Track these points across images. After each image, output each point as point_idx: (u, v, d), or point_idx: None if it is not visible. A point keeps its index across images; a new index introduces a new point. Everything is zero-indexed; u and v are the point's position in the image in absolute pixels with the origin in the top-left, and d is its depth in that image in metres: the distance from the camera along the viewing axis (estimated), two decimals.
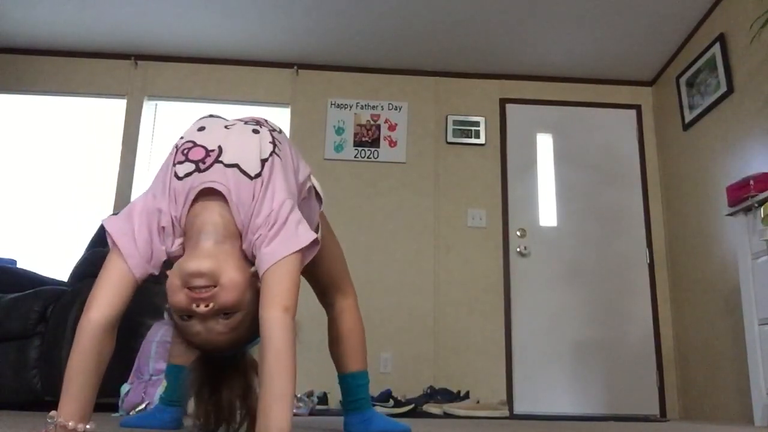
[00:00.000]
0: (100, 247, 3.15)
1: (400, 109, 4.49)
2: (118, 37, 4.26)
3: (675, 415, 4.03)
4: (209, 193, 1.15)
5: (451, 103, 4.54)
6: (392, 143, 4.43)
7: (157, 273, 1.15)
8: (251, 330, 1.09)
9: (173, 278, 1.06)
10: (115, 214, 1.20)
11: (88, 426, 1.04)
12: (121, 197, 4.26)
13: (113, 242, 1.13)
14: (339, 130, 4.43)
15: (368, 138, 4.43)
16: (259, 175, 1.19)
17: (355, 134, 4.43)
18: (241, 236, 1.15)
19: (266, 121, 1.37)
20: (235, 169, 1.18)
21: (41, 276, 3.23)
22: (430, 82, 4.57)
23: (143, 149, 4.40)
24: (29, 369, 2.47)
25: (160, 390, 2.69)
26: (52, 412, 1.03)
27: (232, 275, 1.06)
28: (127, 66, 4.46)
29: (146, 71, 4.47)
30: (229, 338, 1.08)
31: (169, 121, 4.49)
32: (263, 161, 1.21)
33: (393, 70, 4.55)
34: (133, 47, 4.38)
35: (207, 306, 1.03)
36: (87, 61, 4.45)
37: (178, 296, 1.04)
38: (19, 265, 3.45)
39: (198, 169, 1.18)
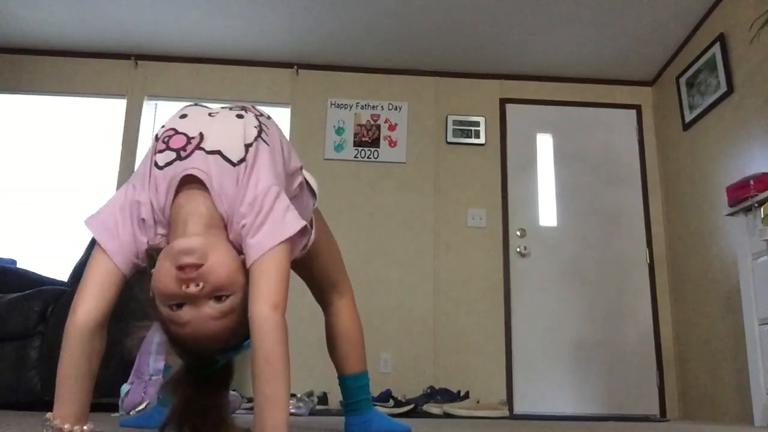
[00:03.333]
0: None
1: (400, 109, 4.49)
2: (118, 37, 4.26)
3: (675, 415, 4.03)
4: (192, 182, 1.10)
5: (451, 103, 4.54)
6: (392, 143, 4.43)
7: (144, 264, 1.10)
8: (245, 323, 1.01)
9: (163, 262, 1.00)
10: None
11: (85, 427, 1.03)
12: None
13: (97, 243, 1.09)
14: (339, 130, 4.42)
15: (368, 138, 4.42)
16: (242, 160, 1.12)
17: (355, 134, 4.42)
18: (226, 226, 1.09)
19: (253, 106, 1.30)
20: (217, 156, 1.12)
21: (41, 276, 3.24)
22: (430, 82, 4.57)
23: (143, 149, 4.40)
24: (29, 369, 2.47)
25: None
26: (48, 414, 1.02)
27: (221, 254, 1.01)
28: (127, 66, 4.46)
29: (146, 71, 4.47)
30: (222, 326, 1.00)
31: None
32: (247, 146, 1.15)
33: (393, 70, 4.55)
34: (133, 47, 4.38)
35: (198, 285, 0.97)
36: (87, 61, 4.45)
37: (167, 280, 0.98)
38: (19, 265, 3.45)
39: (179, 157, 1.12)
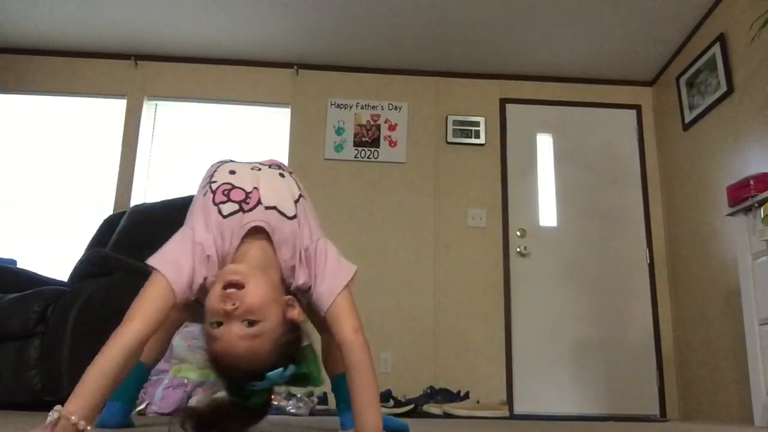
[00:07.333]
0: (100, 247, 3.15)
1: (400, 109, 4.49)
2: (118, 37, 4.26)
3: (675, 415, 4.03)
4: (253, 232, 1.28)
5: (451, 103, 4.54)
6: (392, 143, 4.43)
7: (194, 298, 1.24)
8: (273, 353, 1.15)
9: (216, 285, 1.16)
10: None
11: (90, 427, 1.04)
12: (120, 197, 4.26)
13: (155, 269, 1.21)
14: (339, 130, 4.42)
15: (368, 138, 4.42)
16: (295, 216, 1.34)
17: (355, 134, 4.42)
18: (280, 269, 1.29)
19: (282, 164, 1.52)
20: (274, 211, 1.32)
21: (41, 276, 3.23)
22: (430, 82, 4.57)
23: (143, 149, 4.40)
24: (29, 369, 2.47)
25: (159, 391, 2.70)
26: (58, 406, 1.03)
27: (261, 284, 1.17)
28: (127, 66, 4.45)
29: (146, 71, 4.47)
30: (247, 347, 1.12)
31: (168, 121, 4.48)
32: (295, 202, 1.37)
33: (393, 70, 4.55)
34: (133, 47, 4.38)
35: (234, 304, 1.11)
36: (87, 61, 4.45)
37: (214, 297, 1.13)
38: (19, 265, 3.45)
39: (242, 210, 1.30)
